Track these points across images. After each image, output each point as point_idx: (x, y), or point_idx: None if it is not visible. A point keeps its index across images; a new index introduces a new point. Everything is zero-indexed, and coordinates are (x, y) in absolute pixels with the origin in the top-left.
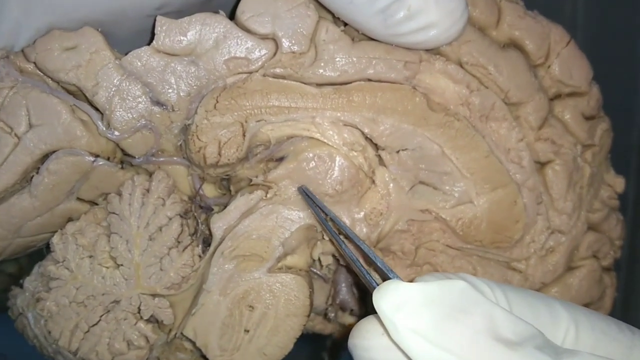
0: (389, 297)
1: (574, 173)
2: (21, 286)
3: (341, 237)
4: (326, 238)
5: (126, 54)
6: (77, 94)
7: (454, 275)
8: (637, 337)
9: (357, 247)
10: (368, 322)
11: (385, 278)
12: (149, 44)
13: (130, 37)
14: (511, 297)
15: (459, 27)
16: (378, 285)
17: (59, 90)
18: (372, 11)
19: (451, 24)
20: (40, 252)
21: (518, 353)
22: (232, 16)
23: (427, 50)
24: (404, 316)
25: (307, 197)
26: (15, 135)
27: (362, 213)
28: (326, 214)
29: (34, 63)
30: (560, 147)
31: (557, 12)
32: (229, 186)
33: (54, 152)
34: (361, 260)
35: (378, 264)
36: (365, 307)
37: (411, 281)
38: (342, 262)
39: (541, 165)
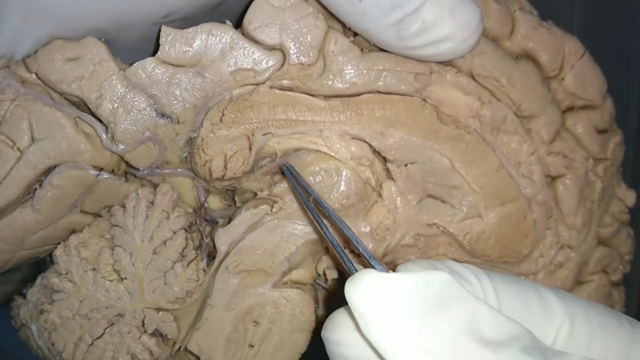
0: (362, 288)
1: (585, 188)
2: (24, 296)
3: (325, 221)
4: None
5: (130, 65)
6: (80, 104)
7: (440, 264)
8: (638, 330)
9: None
10: (341, 315)
11: (368, 267)
12: (153, 53)
13: (135, 45)
14: (500, 288)
15: (474, 40)
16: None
17: (62, 101)
18: (386, 23)
19: (466, 37)
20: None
21: (500, 356)
22: (239, 24)
23: (439, 62)
24: (377, 310)
25: (292, 176)
26: (18, 149)
27: (369, 228)
28: (309, 194)
29: (36, 74)
30: (572, 161)
31: (552, 6)
32: (233, 197)
33: (57, 165)
34: (341, 244)
35: (361, 250)
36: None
37: (393, 270)
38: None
39: (552, 179)
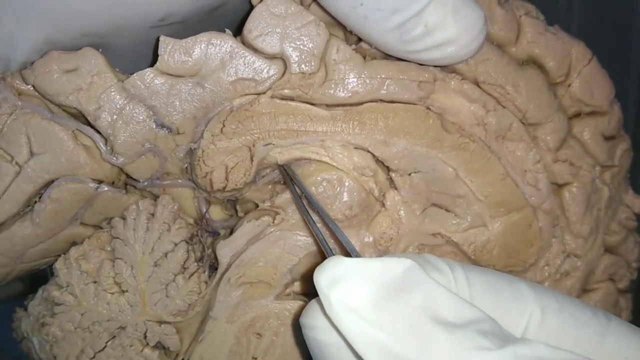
0: (328, 272)
1: (591, 195)
2: (25, 309)
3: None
4: None
5: (129, 74)
6: (78, 116)
7: (417, 255)
8: (614, 324)
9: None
10: (316, 301)
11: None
12: (152, 63)
13: (132, 49)
14: (473, 278)
15: (478, 43)
16: None
17: (60, 113)
18: (388, 27)
19: (470, 40)
20: None
21: (454, 335)
22: (238, 30)
23: (443, 69)
24: (338, 291)
25: (287, 175)
26: (17, 163)
27: (372, 238)
28: (302, 192)
29: (33, 86)
30: (579, 169)
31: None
32: (235, 206)
33: (56, 179)
34: (328, 240)
35: (344, 243)
36: None
37: None
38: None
39: (558, 186)
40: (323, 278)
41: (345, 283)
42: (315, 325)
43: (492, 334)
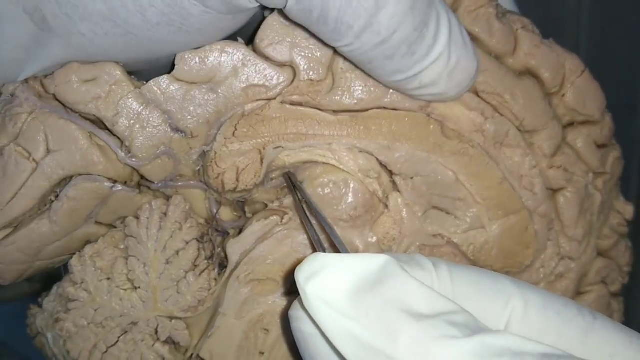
0: (306, 267)
1: (585, 200)
2: (40, 305)
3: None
4: None
5: (145, 82)
6: (96, 122)
7: (404, 255)
8: (600, 322)
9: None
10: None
11: None
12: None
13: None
14: (456, 274)
15: (464, 91)
16: None
17: (77, 117)
18: (388, 80)
19: (458, 92)
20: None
21: (421, 324)
22: (250, 40)
23: None
24: (314, 284)
25: (290, 182)
26: (34, 160)
27: (375, 238)
28: (301, 198)
29: (54, 94)
30: (573, 174)
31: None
32: (244, 208)
33: (72, 177)
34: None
35: (337, 244)
36: None
37: None
38: None
39: (553, 191)
40: (301, 273)
41: (321, 277)
42: (301, 317)
43: (462, 325)
